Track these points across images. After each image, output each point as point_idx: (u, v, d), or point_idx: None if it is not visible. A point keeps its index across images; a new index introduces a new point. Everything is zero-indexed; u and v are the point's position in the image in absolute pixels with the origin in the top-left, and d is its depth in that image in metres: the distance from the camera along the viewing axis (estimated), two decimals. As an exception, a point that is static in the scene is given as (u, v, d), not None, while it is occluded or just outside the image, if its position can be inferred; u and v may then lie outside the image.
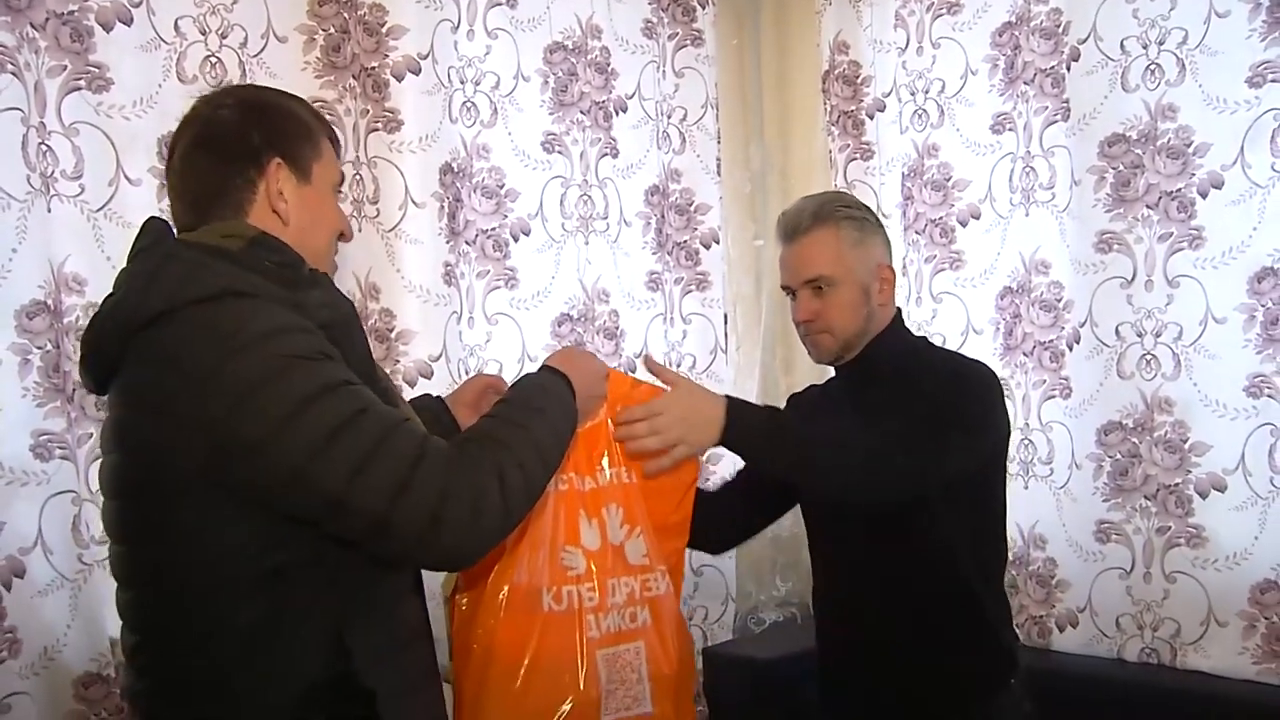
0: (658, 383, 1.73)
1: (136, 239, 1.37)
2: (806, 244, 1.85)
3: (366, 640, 1.28)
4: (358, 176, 2.33)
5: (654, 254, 2.84)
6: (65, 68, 1.97)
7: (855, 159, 2.96)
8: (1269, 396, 2.33)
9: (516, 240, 2.59)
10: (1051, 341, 2.65)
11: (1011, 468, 2.69)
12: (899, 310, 1.92)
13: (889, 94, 2.91)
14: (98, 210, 2.00)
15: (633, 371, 2.38)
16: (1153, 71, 2.44)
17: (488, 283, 2.55)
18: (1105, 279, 2.53)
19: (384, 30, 2.34)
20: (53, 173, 1.95)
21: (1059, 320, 2.64)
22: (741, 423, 1.68)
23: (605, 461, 1.64)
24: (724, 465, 2.68)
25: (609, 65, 2.75)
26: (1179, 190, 2.42)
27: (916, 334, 2.03)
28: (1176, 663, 2.46)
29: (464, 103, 2.51)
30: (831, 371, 1.96)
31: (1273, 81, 2.30)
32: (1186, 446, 2.43)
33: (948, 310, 2.84)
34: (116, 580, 1.33)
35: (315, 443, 1.18)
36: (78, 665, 1.95)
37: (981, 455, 1.80)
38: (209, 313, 1.23)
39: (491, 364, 2.54)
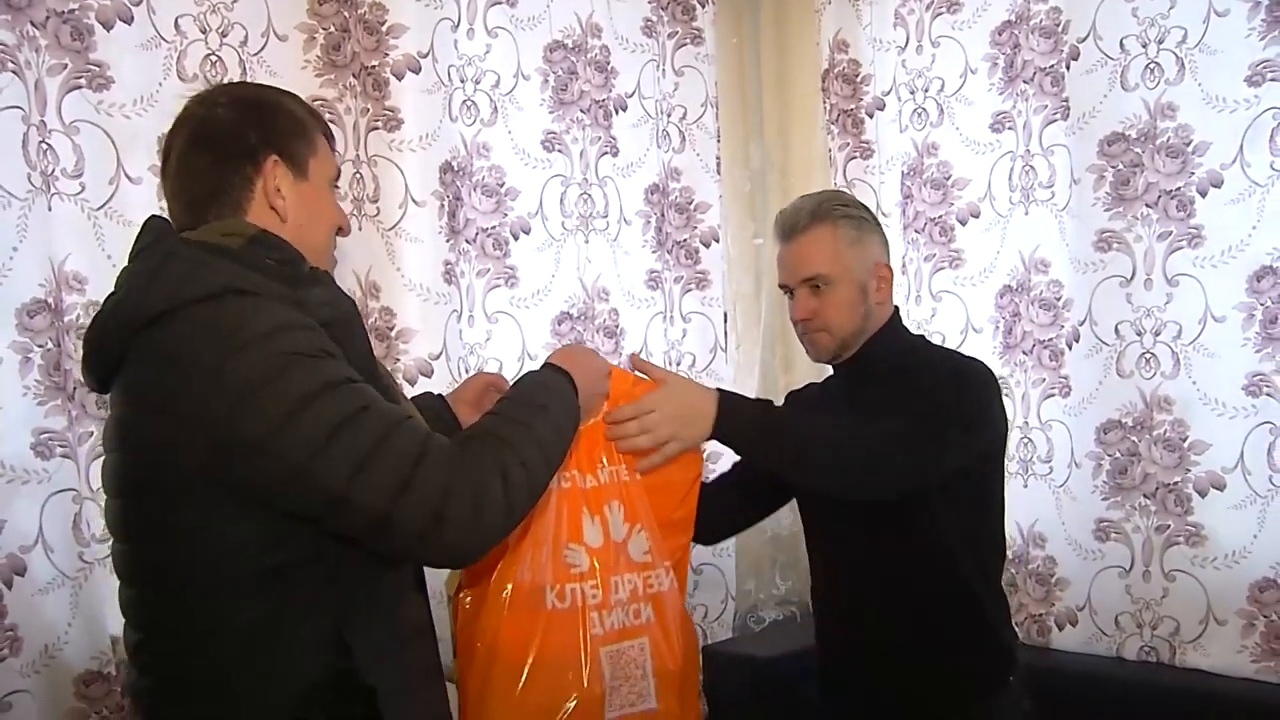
0: None
1: (137, 238, 1.37)
2: (804, 243, 1.85)
3: (367, 638, 1.28)
4: (358, 175, 2.33)
5: (654, 252, 2.84)
6: (66, 66, 1.97)
7: (855, 158, 2.96)
8: (1268, 395, 2.33)
9: (516, 239, 2.60)
10: (1051, 340, 2.66)
11: (1011, 466, 2.69)
12: (897, 309, 1.92)
13: (888, 93, 2.91)
14: (98, 209, 2.00)
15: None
16: (1152, 70, 2.44)
17: (488, 281, 2.55)
18: (1104, 278, 2.53)
19: (384, 29, 2.34)
20: (53, 171, 1.95)
21: (1058, 319, 2.64)
22: (734, 417, 1.69)
23: (607, 459, 1.64)
24: (724, 463, 2.68)
25: (609, 64, 2.75)
26: (1178, 189, 2.42)
27: (915, 332, 2.04)
28: (1175, 661, 2.46)
29: (464, 101, 2.51)
30: (830, 370, 1.97)
31: (1272, 80, 2.30)
32: (1186, 445, 2.43)
33: (947, 309, 2.84)
34: (119, 578, 1.33)
35: (317, 440, 1.18)
36: (78, 663, 1.95)
37: (979, 452, 1.80)
38: (210, 311, 1.23)
39: (491, 362, 2.54)
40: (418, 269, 2.39)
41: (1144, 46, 2.45)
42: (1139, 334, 2.49)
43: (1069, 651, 2.62)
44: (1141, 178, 2.47)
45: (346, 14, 2.30)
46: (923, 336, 2.04)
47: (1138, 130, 2.46)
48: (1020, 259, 2.70)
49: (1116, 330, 2.52)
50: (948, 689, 1.81)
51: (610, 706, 1.55)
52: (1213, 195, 2.38)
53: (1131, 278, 2.49)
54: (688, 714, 1.66)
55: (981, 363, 1.87)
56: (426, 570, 1.46)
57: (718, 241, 2.96)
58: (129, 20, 2.04)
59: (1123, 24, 2.47)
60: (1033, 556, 2.70)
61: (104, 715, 1.97)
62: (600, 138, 2.73)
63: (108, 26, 2.02)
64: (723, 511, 1.90)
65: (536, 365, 1.54)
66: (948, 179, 2.82)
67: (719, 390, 1.72)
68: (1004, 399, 1.89)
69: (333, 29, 2.28)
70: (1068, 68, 2.57)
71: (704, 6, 2.94)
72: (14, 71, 1.89)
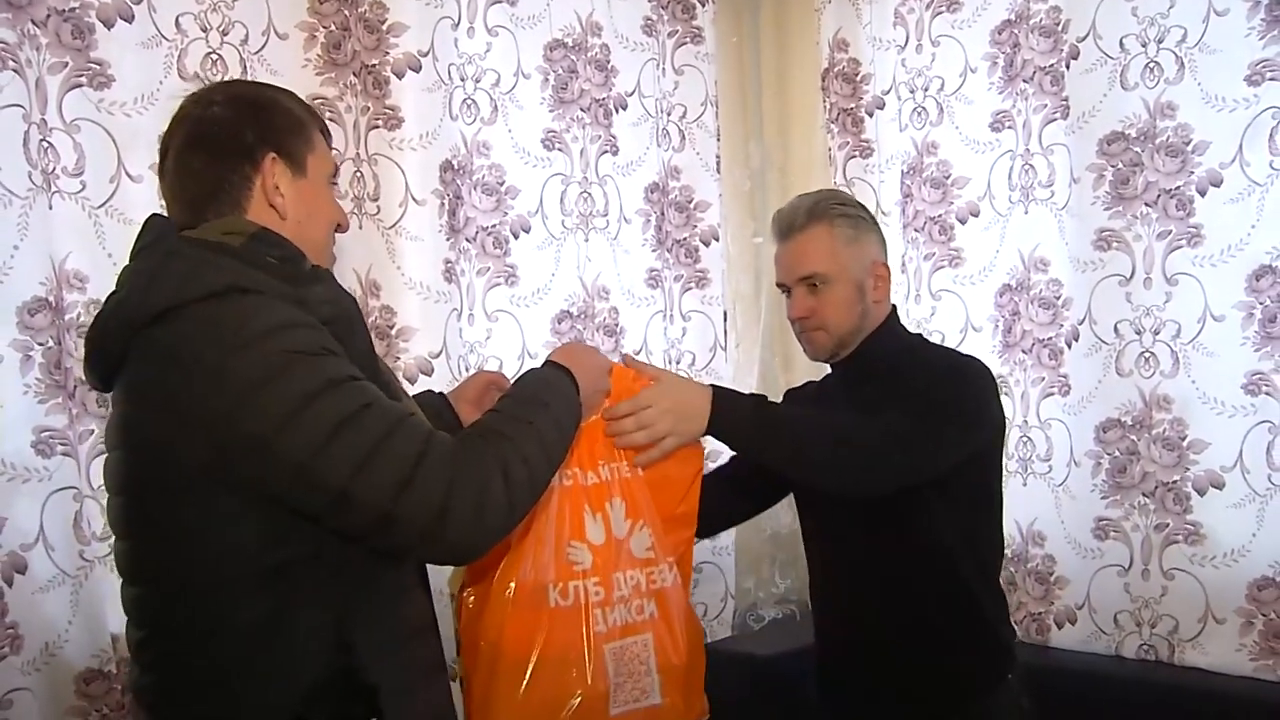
0: None
1: (138, 236, 1.37)
2: (801, 241, 1.86)
3: (369, 636, 1.28)
4: (358, 174, 2.33)
5: (654, 251, 2.84)
6: (66, 64, 1.96)
7: (854, 156, 2.96)
8: (1267, 394, 2.34)
9: (516, 237, 2.60)
10: (1050, 339, 2.66)
11: (1010, 465, 2.70)
12: (894, 307, 1.92)
13: (888, 91, 2.92)
14: (99, 207, 2.00)
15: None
16: (1152, 69, 2.44)
17: (488, 280, 2.55)
18: (1104, 276, 2.54)
19: (384, 27, 2.34)
20: (54, 169, 1.95)
21: (1058, 318, 2.64)
22: (729, 413, 1.69)
23: (609, 456, 1.64)
24: (724, 459, 2.68)
25: (609, 63, 2.75)
26: (1178, 188, 2.43)
27: (913, 331, 2.04)
28: (1174, 659, 2.46)
29: (464, 100, 2.51)
30: (829, 368, 1.97)
31: (1271, 80, 2.30)
32: (1185, 444, 2.44)
33: (947, 308, 2.84)
34: (121, 576, 1.33)
35: (319, 438, 1.18)
36: (79, 661, 1.95)
37: (976, 449, 1.80)
38: (212, 309, 1.23)
39: (491, 361, 2.54)
40: (418, 267, 2.39)
41: (1144, 46, 2.45)
42: (1138, 333, 2.49)
43: (1068, 650, 2.63)
44: (1141, 177, 2.47)
45: (347, 12, 2.30)
46: (920, 335, 2.05)
47: (1137, 129, 2.47)
48: (1020, 258, 2.70)
49: (1116, 329, 2.52)
50: (946, 687, 1.81)
51: (615, 703, 1.56)
52: (1212, 194, 2.39)
53: (1131, 277, 2.50)
54: (692, 708, 1.66)
55: (978, 360, 1.87)
56: (429, 568, 1.46)
57: (717, 240, 2.96)
58: (129, 19, 2.04)
59: (1122, 23, 2.47)
60: (1032, 555, 2.70)
61: (104, 713, 1.97)
62: (600, 136, 2.73)
63: (108, 25, 2.02)
64: (718, 505, 1.90)
65: (536, 364, 1.55)
66: (947, 178, 2.82)
67: (713, 386, 1.72)
68: (1002, 397, 1.89)
69: (333, 27, 2.28)
70: (1067, 67, 2.58)
71: (704, 5, 2.95)
72: (15, 70, 1.89)
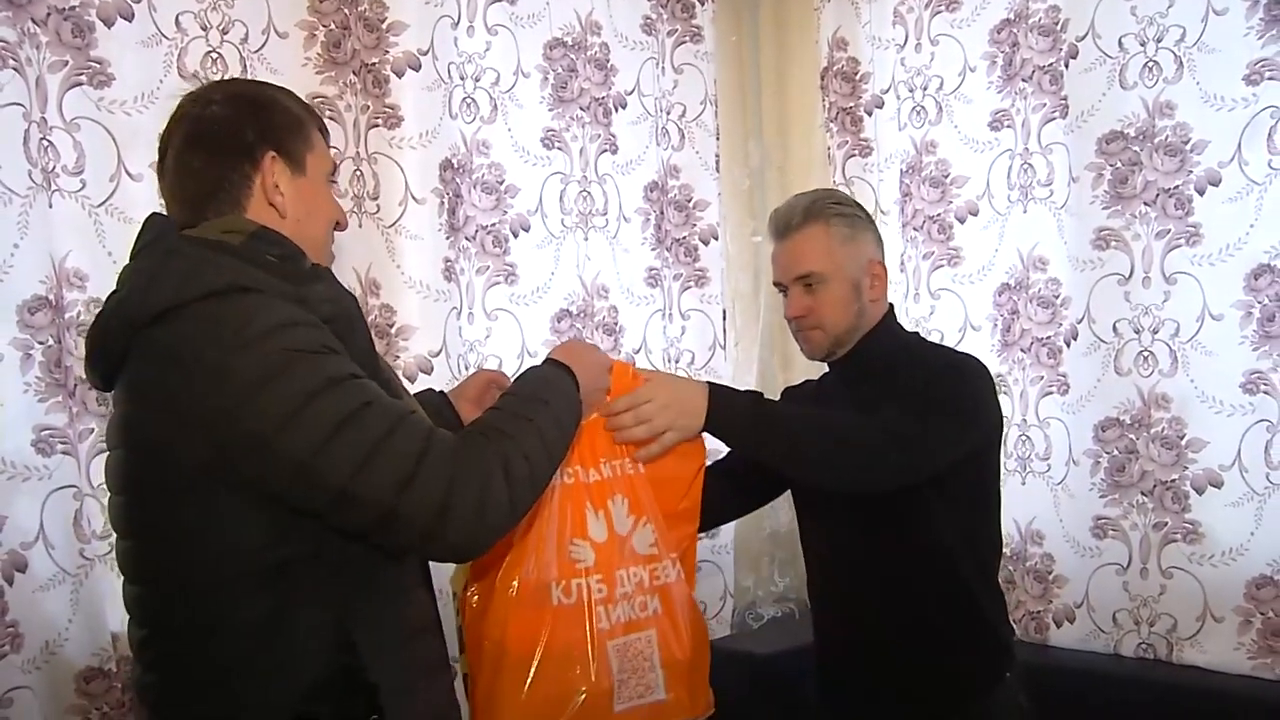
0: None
1: (138, 235, 1.37)
2: (797, 241, 1.86)
3: (371, 634, 1.28)
4: (358, 172, 2.33)
5: (653, 250, 2.85)
6: (66, 63, 1.96)
7: (854, 155, 2.97)
8: (1265, 393, 2.34)
9: (516, 236, 2.60)
10: (1049, 338, 2.66)
11: (1009, 464, 2.70)
12: (891, 306, 1.92)
13: (887, 91, 2.92)
14: (99, 205, 2.00)
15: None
16: (1150, 69, 2.45)
17: (487, 278, 2.55)
18: (1103, 275, 2.54)
19: (384, 26, 2.34)
20: (54, 168, 1.95)
21: (1057, 317, 2.65)
22: (726, 409, 1.69)
23: (610, 453, 1.64)
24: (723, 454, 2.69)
25: (608, 61, 2.76)
26: (1176, 187, 2.43)
27: (912, 330, 2.04)
28: (1173, 658, 2.47)
29: (464, 99, 2.51)
30: (827, 367, 1.97)
31: (1270, 79, 2.31)
32: (1183, 443, 2.44)
33: (946, 307, 2.85)
34: (123, 575, 1.33)
35: (320, 437, 1.18)
36: (79, 660, 1.95)
37: (974, 446, 1.80)
38: (213, 308, 1.23)
39: (491, 359, 2.54)
40: (418, 266, 2.39)
41: (1142, 45, 2.45)
42: (1137, 332, 2.49)
43: (1067, 648, 2.63)
44: (1140, 176, 2.47)
45: (347, 11, 2.30)
46: (917, 334, 2.05)
47: (1136, 128, 2.47)
48: (1019, 257, 2.71)
49: (1115, 328, 2.53)
50: (945, 687, 1.81)
51: (619, 699, 1.56)
52: (1211, 193, 2.39)
53: (1130, 276, 2.50)
54: (698, 703, 1.67)
55: (976, 359, 1.87)
56: (432, 566, 1.46)
57: (717, 239, 2.97)
58: (129, 17, 2.04)
59: (1121, 22, 2.48)
60: (1031, 554, 2.70)
61: (104, 712, 1.97)
62: (600, 135, 2.73)
63: (108, 23, 2.02)
64: (715, 500, 1.90)
65: (536, 362, 1.55)
66: (946, 177, 2.83)
67: (709, 383, 1.72)
68: (1001, 396, 1.89)
69: (333, 26, 2.28)
70: (1066, 66, 2.58)
71: (703, 4, 2.95)
72: (15, 68, 1.89)
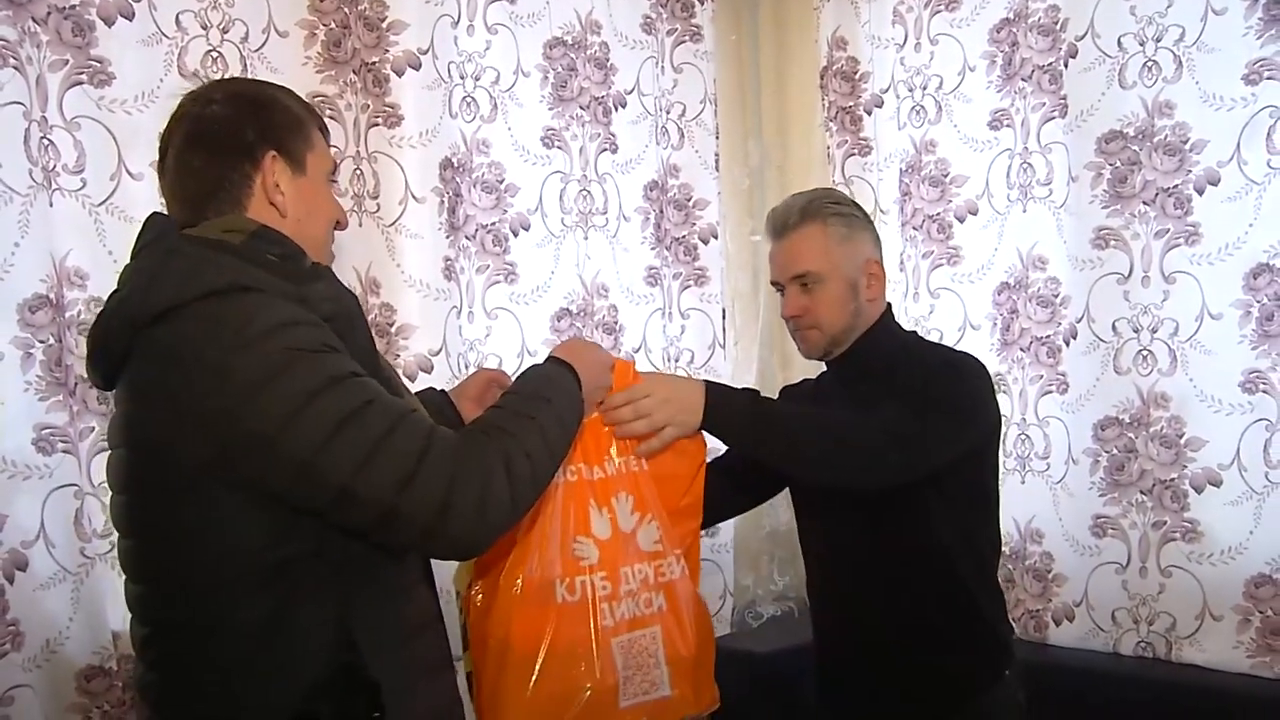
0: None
1: (139, 234, 1.37)
2: (794, 240, 1.86)
3: (372, 632, 1.28)
4: (358, 171, 2.33)
5: (653, 249, 2.85)
6: (67, 62, 1.96)
7: (853, 155, 2.97)
8: (1264, 392, 2.35)
9: (516, 235, 2.60)
10: (1048, 337, 2.66)
11: (1008, 462, 2.71)
12: (889, 305, 1.93)
13: (887, 90, 2.92)
14: (99, 204, 2.00)
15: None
16: (1150, 68, 2.45)
17: (487, 277, 2.55)
18: (1102, 275, 2.54)
19: (384, 25, 2.34)
20: (54, 167, 1.95)
21: (1056, 316, 2.65)
22: (723, 406, 1.69)
23: (613, 451, 1.64)
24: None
25: (608, 61, 2.76)
26: (1175, 186, 2.43)
27: (910, 329, 2.04)
28: (1172, 656, 2.47)
29: (464, 98, 2.51)
30: (825, 366, 1.97)
31: (1269, 78, 2.31)
32: (1182, 441, 2.44)
33: (945, 306, 2.85)
34: (125, 573, 1.33)
35: (321, 436, 1.18)
36: (80, 658, 1.95)
37: (972, 445, 1.80)
38: (214, 307, 1.23)
39: (491, 358, 2.54)
40: (418, 265, 2.39)
41: (1142, 44, 2.46)
42: (1136, 331, 2.50)
43: (1066, 647, 2.63)
44: (1139, 175, 2.48)
45: (347, 10, 2.30)
46: (915, 333, 2.05)
47: (1135, 128, 2.47)
48: (1018, 256, 2.71)
49: (1114, 327, 2.53)
50: (944, 685, 1.81)
51: (624, 695, 1.56)
52: (1210, 193, 2.39)
53: (1129, 275, 2.50)
54: (703, 698, 1.67)
55: (974, 357, 1.87)
56: (434, 564, 1.46)
57: (716, 238, 2.97)
58: (130, 16, 2.04)
59: (1121, 22, 2.48)
60: (1030, 552, 2.71)
61: (105, 710, 1.97)
62: (599, 134, 2.74)
63: (109, 22, 2.01)
64: (714, 498, 1.91)
65: (536, 361, 1.55)
66: (946, 176, 2.83)
67: (705, 381, 1.72)
68: (1000, 395, 1.89)
69: (333, 25, 2.28)
70: (1066, 65, 2.58)
71: (703, 4, 2.95)
72: (15, 67, 1.89)
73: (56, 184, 1.95)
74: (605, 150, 2.75)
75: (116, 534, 1.34)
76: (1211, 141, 2.38)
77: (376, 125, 2.34)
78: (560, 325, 2.66)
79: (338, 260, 1.50)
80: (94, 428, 1.97)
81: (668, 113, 2.89)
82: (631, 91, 2.81)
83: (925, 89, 2.85)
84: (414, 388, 2.07)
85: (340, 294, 1.36)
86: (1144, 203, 2.47)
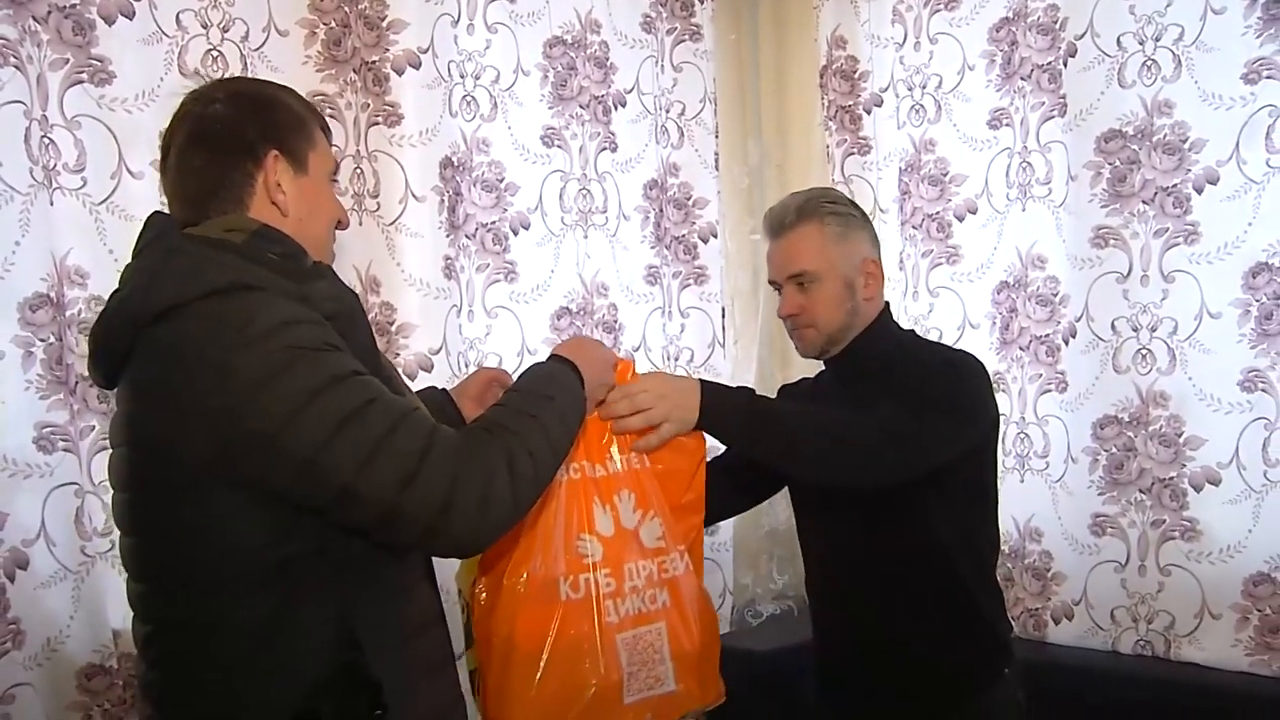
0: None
1: (140, 234, 1.37)
2: (791, 239, 1.87)
3: (374, 630, 1.28)
4: (358, 170, 2.33)
5: (652, 248, 2.85)
6: (67, 61, 1.97)
7: (852, 154, 2.97)
8: (1263, 391, 2.35)
9: (516, 234, 2.60)
10: (1048, 336, 2.67)
11: (1008, 461, 2.71)
12: (887, 304, 1.93)
13: (886, 89, 2.92)
14: (100, 203, 2.00)
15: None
16: (1149, 67, 2.45)
17: (487, 276, 2.56)
18: (1101, 274, 2.55)
19: (384, 24, 2.35)
20: (55, 166, 1.95)
21: (1055, 315, 2.65)
22: (719, 405, 1.69)
23: (615, 448, 1.65)
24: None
25: (608, 60, 2.76)
26: (1175, 186, 2.44)
27: (909, 327, 2.04)
28: (1171, 655, 2.48)
29: (464, 97, 2.51)
30: (823, 365, 1.98)
31: (1268, 78, 2.32)
32: (1181, 440, 2.45)
33: (944, 305, 2.85)
34: (127, 572, 1.34)
35: (323, 434, 1.18)
36: (80, 656, 1.96)
37: (971, 443, 1.80)
38: (215, 306, 1.23)
39: (491, 357, 2.55)
40: (418, 264, 2.39)
41: (1141, 44, 2.46)
42: (1135, 330, 2.50)
43: (1065, 645, 2.64)
44: (1138, 174, 2.48)
45: (347, 9, 2.30)
46: (913, 331, 2.05)
47: (1135, 127, 2.48)
48: (1017, 255, 2.71)
49: (1113, 326, 2.53)
50: (944, 684, 1.82)
51: (629, 691, 1.57)
52: (1209, 192, 2.40)
53: (1128, 274, 2.51)
54: (708, 693, 1.67)
55: (972, 355, 1.87)
56: (436, 562, 1.47)
57: (716, 237, 2.98)
58: (130, 15, 2.04)
59: (1120, 21, 2.48)
60: (1029, 551, 2.71)
61: (105, 708, 1.97)
62: (599, 133, 2.74)
63: (109, 21, 2.02)
64: (713, 497, 1.91)
65: (536, 360, 1.55)
66: (945, 175, 2.83)
67: (700, 380, 1.73)
68: (999, 393, 1.89)
69: (333, 24, 2.29)
70: (1065, 65, 2.58)
71: (703, 3, 2.96)
72: (16, 66, 1.89)
73: (57, 183, 1.96)
74: (605, 149, 2.75)
75: (118, 532, 1.34)
76: (1210, 141, 2.39)
77: (376, 124, 2.35)
78: (560, 324, 2.66)
79: (338, 259, 1.51)
80: (94, 426, 1.98)
81: (667, 112, 2.89)
82: (631, 90, 2.81)
83: (925, 88, 2.85)
84: (414, 386, 2.07)
85: (342, 293, 1.36)
86: (1143, 202, 2.48)
